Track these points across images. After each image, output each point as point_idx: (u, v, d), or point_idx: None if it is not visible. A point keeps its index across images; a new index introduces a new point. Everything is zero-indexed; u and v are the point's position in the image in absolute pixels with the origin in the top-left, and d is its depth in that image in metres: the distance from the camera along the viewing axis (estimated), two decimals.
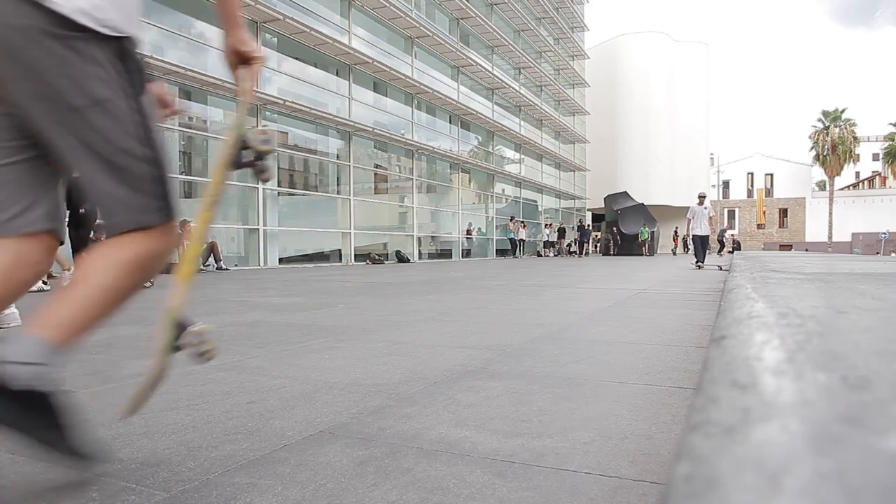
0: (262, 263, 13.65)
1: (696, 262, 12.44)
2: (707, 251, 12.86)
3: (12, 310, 2.98)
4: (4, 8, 0.97)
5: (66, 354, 1.14)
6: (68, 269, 6.09)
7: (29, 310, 3.42)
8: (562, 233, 28.82)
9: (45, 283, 6.21)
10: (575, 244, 28.30)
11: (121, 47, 1.08)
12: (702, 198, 12.67)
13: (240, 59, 1.32)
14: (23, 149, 1.13)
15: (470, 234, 22.96)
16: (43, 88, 1.03)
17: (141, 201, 1.13)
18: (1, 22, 0.98)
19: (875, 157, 57.23)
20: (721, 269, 11.12)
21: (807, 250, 36.99)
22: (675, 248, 33.98)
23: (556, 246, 27.76)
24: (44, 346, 1.08)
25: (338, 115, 15.50)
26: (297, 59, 14.98)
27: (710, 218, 12.64)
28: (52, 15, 0.99)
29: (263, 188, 13.70)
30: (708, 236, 12.68)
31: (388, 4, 16.58)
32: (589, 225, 36.44)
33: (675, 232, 33.96)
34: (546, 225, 28.03)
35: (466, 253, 22.69)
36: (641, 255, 27.39)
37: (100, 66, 1.05)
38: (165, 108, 1.37)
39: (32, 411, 1.05)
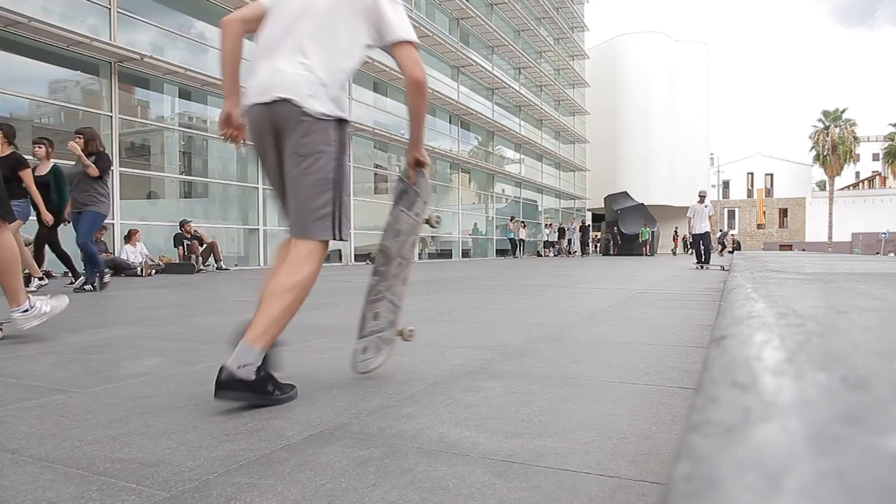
0: (262, 263, 13.65)
1: (697, 262, 12.34)
2: (710, 250, 12.74)
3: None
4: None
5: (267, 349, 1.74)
6: (40, 277, 6.21)
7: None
8: (561, 233, 28.82)
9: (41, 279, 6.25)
10: (569, 244, 28.36)
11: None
12: (702, 196, 12.61)
13: (417, 163, 2.30)
14: None
15: (468, 234, 22.98)
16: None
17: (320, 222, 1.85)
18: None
19: (875, 157, 57.23)
20: (723, 269, 11.10)
21: (803, 250, 37.00)
22: (675, 248, 33.99)
23: (556, 246, 27.76)
24: (256, 351, 1.68)
25: None
26: None
27: (711, 217, 12.54)
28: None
29: (263, 188, 13.70)
30: (708, 234, 12.52)
31: None
32: (589, 225, 36.51)
33: (675, 232, 33.98)
34: (546, 225, 28.03)
35: (466, 253, 22.69)
36: (642, 255, 27.39)
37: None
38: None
39: (263, 390, 1.68)
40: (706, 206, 12.49)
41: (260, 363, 1.67)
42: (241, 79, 2.06)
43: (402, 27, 1.96)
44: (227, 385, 1.62)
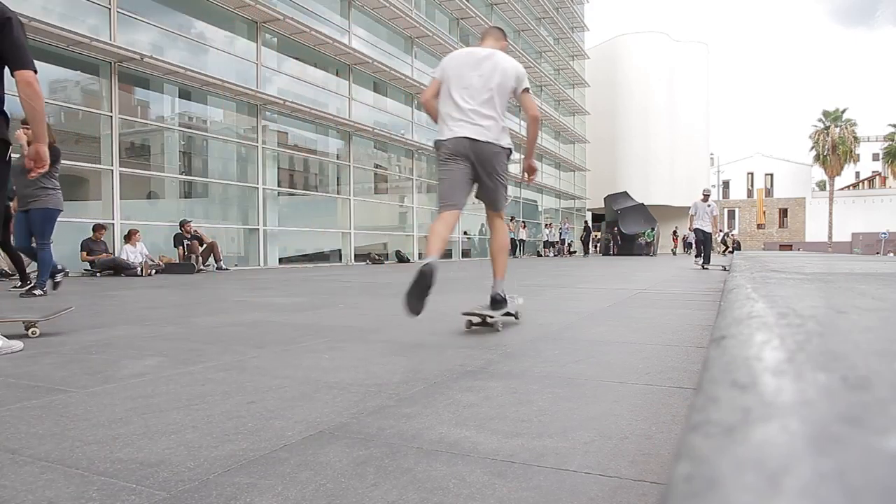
0: (262, 263, 13.65)
1: (697, 260, 12.20)
2: (711, 250, 12.48)
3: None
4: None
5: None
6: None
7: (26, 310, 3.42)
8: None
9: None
10: (568, 245, 28.38)
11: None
12: (706, 195, 12.29)
13: (530, 170, 4.00)
14: None
15: (467, 234, 22.94)
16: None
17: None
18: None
19: (875, 157, 57.23)
20: (724, 269, 11.01)
21: (798, 249, 36.99)
22: (675, 248, 33.98)
23: (557, 246, 27.76)
24: (502, 285, 3.29)
25: (338, 115, 15.50)
26: (297, 59, 14.98)
27: (714, 217, 12.23)
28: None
29: (263, 188, 13.71)
30: (710, 233, 12.21)
31: (388, 4, 16.58)
32: (589, 224, 36.52)
33: (675, 232, 33.96)
34: (546, 225, 28.02)
35: (466, 253, 22.70)
36: (642, 255, 27.38)
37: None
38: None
39: (506, 310, 3.27)
40: (709, 205, 12.23)
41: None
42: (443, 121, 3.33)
43: (526, 82, 3.43)
44: (496, 301, 3.20)
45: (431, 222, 3.14)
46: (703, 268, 11.77)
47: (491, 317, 3.14)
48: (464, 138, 3.16)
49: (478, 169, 3.26)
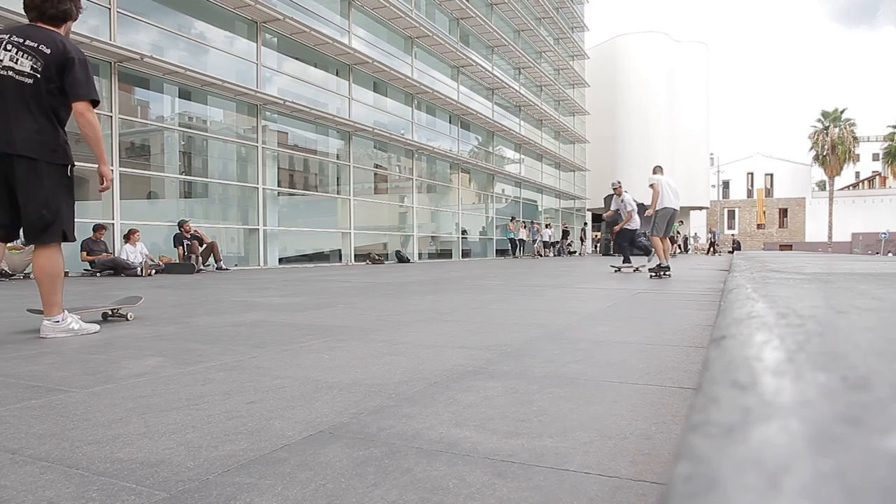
0: (262, 263, 13.65)
1: (619, 264, 10.60)
2: (627, 249, 10.71)
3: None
4: None
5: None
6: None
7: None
8: (565, 234, 28.85)
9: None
10: (562, 244, 28.34)
11: None
12: (616, 188, 10.54)
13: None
14: None
15: (465, 234, 22.86)
16: None
17: None
18: None
19: (875, 157, 57.22)
20: (638, 270, 9.79)
21: (791, 247, 36.96)
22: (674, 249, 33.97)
23: (557, 245, 27.76)
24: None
25: (338, 115, 15.50)
26: (297, 59, 14.98)
27: (629, 212, 10.44)
28: None
29: (263, 188, 13.71)
30: (630, 232, 10.60)
31: (388, 4, 16.58)
32: (586, 223, 36.54)
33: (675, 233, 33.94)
34: (546, 225, 28.03)
35: (466, 253, 22.69)
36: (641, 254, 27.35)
37: None
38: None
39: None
40: (622, 200, 10.50)
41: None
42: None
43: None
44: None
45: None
46: (618, 270, 10.41)
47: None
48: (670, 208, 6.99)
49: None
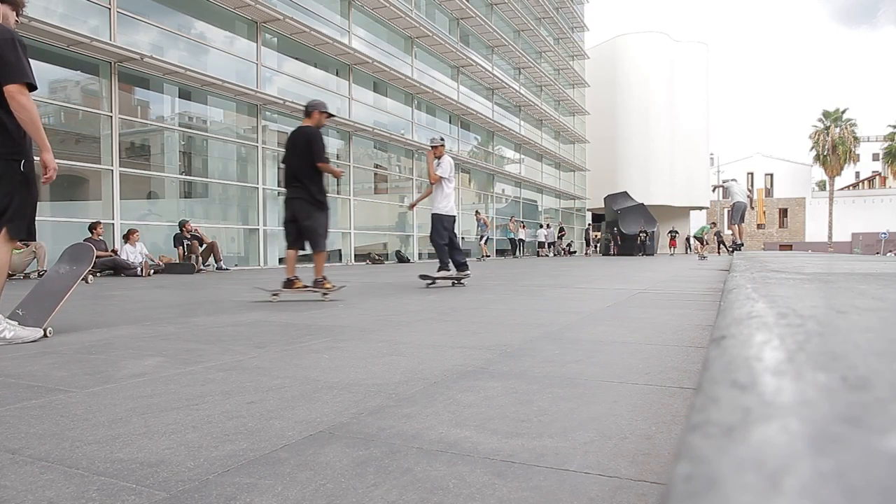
0: (262, 263, 13.64)
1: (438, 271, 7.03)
2: (441, 247, 7.14)
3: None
4: None
5: None
6: None
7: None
8: (561, 233, 28.88)
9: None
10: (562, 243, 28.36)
11: None
12: (435, 145, 7.44)
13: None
14: None
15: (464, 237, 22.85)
16: None
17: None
18: None
19: (875, 157, 57.20)
20: (433, 283, 6.85)
21: (790, 248, 36.90)
22: (675, 249, 33.93)
23: (557, 245, 27.77)
24: None
25: (338, 115, 15.50)
26: (297, 59, 14.99)
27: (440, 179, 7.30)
28: None
29: (263, 188, 13.70)
30: (444, 218, 7.18)
31: (388, 4, 16.58)
32: (589, 224, 36.53)
33: (670, 233, 33.87)
34: (546, 225, 28.02)
35: (466, 253, 22.68)
36: (639, 254, 27.36)
37: None
38: None
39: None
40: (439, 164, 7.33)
41: None
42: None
43: None
44: None
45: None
46: (433, 282, 6.97)
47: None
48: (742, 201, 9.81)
49: None
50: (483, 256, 21.30)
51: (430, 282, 6.95)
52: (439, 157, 7.42)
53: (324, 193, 5.28)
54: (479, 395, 1.82)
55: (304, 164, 5.11)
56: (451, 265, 7.15)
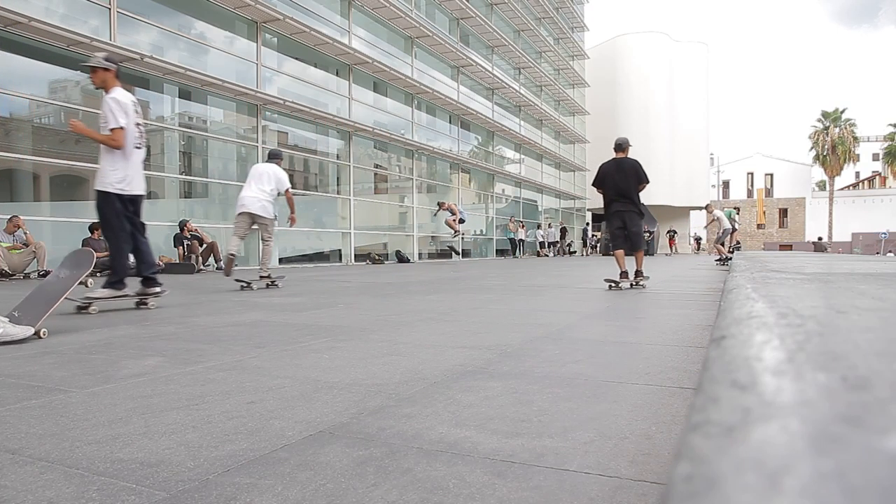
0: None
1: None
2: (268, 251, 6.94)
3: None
4: None
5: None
6: None
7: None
8: (563, 233, 28.86)
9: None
10: (559, 244, 28.36)
11: None
12: (274, 157, 7.09)
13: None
14: None
15: (464, 236, 22.79)
16: None
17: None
18: None
19: (875, 157, 57.20)
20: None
21: (791, 248, 36.84)
22: (674, 250, 33.94)
23: (557, 245, 27.77)
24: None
25: (338, 115, 15.50)
26: (297, 59, 14.98)
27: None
28: None
29: None
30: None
31: (388, 4, 16.57)
32: (588, 223, 36.52)
33: (668, 233, 33.86)
34: (547, 225, 27.99)
35: (466, 253, 22.69)
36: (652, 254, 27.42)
37: None
38: None
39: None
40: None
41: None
42: None
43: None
44: None
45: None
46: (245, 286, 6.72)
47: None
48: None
49: None
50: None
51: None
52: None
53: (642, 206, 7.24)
54: (479, 395, 1.82)
55: (632, 186, 7.07)
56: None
